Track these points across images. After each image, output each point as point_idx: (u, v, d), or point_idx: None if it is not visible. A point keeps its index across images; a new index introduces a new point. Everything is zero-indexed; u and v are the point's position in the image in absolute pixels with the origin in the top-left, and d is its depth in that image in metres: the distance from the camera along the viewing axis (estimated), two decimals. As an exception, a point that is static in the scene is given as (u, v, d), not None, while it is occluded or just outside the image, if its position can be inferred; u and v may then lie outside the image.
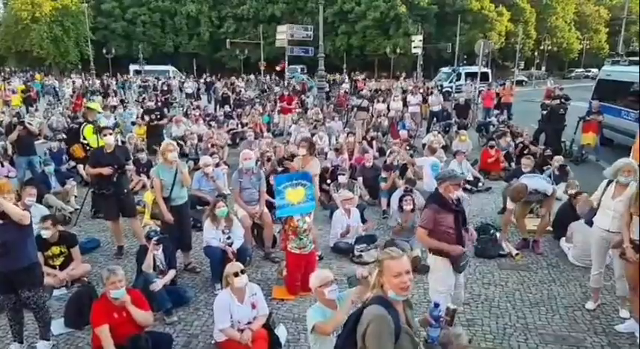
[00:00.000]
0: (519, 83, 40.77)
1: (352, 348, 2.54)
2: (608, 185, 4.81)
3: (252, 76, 38.88)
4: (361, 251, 6.28)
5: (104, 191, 6.06)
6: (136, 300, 4.16)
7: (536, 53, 57.69)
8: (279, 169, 8.92)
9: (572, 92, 18.39)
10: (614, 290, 5.13)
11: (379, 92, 20.53)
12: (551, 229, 7.05)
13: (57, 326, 4.73)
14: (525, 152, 10.94)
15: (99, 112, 9.90)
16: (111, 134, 6.05)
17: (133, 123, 13.99)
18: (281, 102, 17.62)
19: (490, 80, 29.50)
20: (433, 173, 8.49)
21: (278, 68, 37.57)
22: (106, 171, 5.93)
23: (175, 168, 5.76)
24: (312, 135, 13.04)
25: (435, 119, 15.69)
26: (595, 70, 48.21)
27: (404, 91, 19.89)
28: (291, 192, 5.28)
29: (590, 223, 5.20)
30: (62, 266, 5.56)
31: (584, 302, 5.13)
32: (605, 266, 5.00)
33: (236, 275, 4.15)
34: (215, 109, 20.35)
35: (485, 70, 29.70)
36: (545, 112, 12.93)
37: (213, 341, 4.38)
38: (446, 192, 4.11)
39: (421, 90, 19.49)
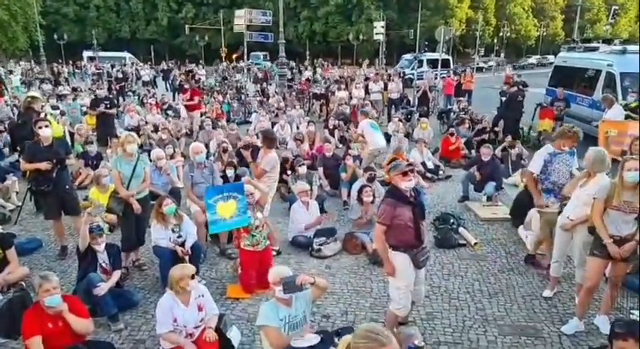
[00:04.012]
0: (479, 70, 41.37)
1: None
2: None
3: (225, 63, 37.59)
4: (320, 244, 6.09)
5: (43, 188, 5.63)
6: (74, 307, 3.84)
7: (495, 40, 58.70)
8: (236, 160, 8.61)
9: (528, 79, 18.67)
10: (571, 278, 5.16)
11: (341, 79, 20.31)
12: (509, 216, 7.09)
13: (-11, 336, 4.37)
14: (485, 138, 11.02)
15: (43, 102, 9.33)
16: (47, 126, 5.59)
17: (85, 113, 13.32)
18: (184, 96, 13.57)
19: (451, 67, 29.80)
20: (374, 130, 8.79)
21: (223, 55, 36.72)
22: (44, 166, 5.50)
23: (135, 161, 5.46)
24: (274, 124, 12.78)
25: (393, 106, 15.63)
26: (551, 57, 49.53)
27: (366, 78, 19.74)
28: (222, 206, 5.00)
29: None
30: (-3, 270, 5.15)
31: (542, 290, 5.11)
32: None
33: (192, 278, 3.93)
34: (173, 98, 19.70)
35: (446, 56, 29.95)
36: (504, 99, 13.03)
37: (160, 348, 4.11)
38: (397, 184, 3.95)
39: (385, 77, 19.39)
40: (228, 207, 4.99)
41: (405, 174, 3.86)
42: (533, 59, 51.87)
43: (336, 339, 3.58)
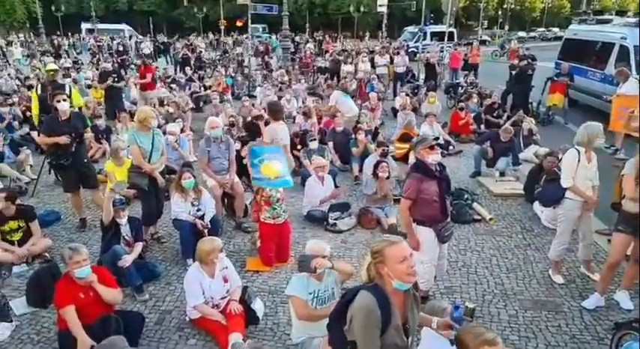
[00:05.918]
0: (482, 43, 40.81)
1: (343, 322, 2.46)
2: (579, 154, 4.45)
3: (230, 38, 36.61)
4: (335, 219, 6.13)
5: (62, 162, 5.63)
6: (103, 278, 3.89)
7: (499, 12, 57.69)
8: (245, 134, 8.56)
9: (535, 52, 18.44)
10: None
11: (346, 53, 20.07)
12: (522, 192, 7.10)
13: (19, 305, 4.45)
14: (494, 114, 10.95)
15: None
16: (65, 100, 5.54)
17: (89, 87, 13.20)
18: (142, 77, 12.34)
19: (455, 40, 29.41)
20: (346, 98, 9.36)
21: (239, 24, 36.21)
22: (63, 140, 5.47)
23: (152, 135, 5.45)
24: (279, 98, 12.67)
25: (399, 81, 15.47)
26: (555, 30, 48.79)
27: (371, 52, 19.49)
28: (266, 166, 5.08)
29: (556, 202, 5.00)
30: (21, 242, 5.22)
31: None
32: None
33: (221, 251, 4.02)
34: (175, 71, 19.50)
35: (451, 29, 29.51)
36: (514, 73, 12.88)
37: (187, 318, 4.20)
38: (424, 158, 3.96)
39: (391, 51, 19.15)
40: (273, 168, 5.07)
41: (432, 148, 3.88)
42: (521, 33, 51.36)
43: None
